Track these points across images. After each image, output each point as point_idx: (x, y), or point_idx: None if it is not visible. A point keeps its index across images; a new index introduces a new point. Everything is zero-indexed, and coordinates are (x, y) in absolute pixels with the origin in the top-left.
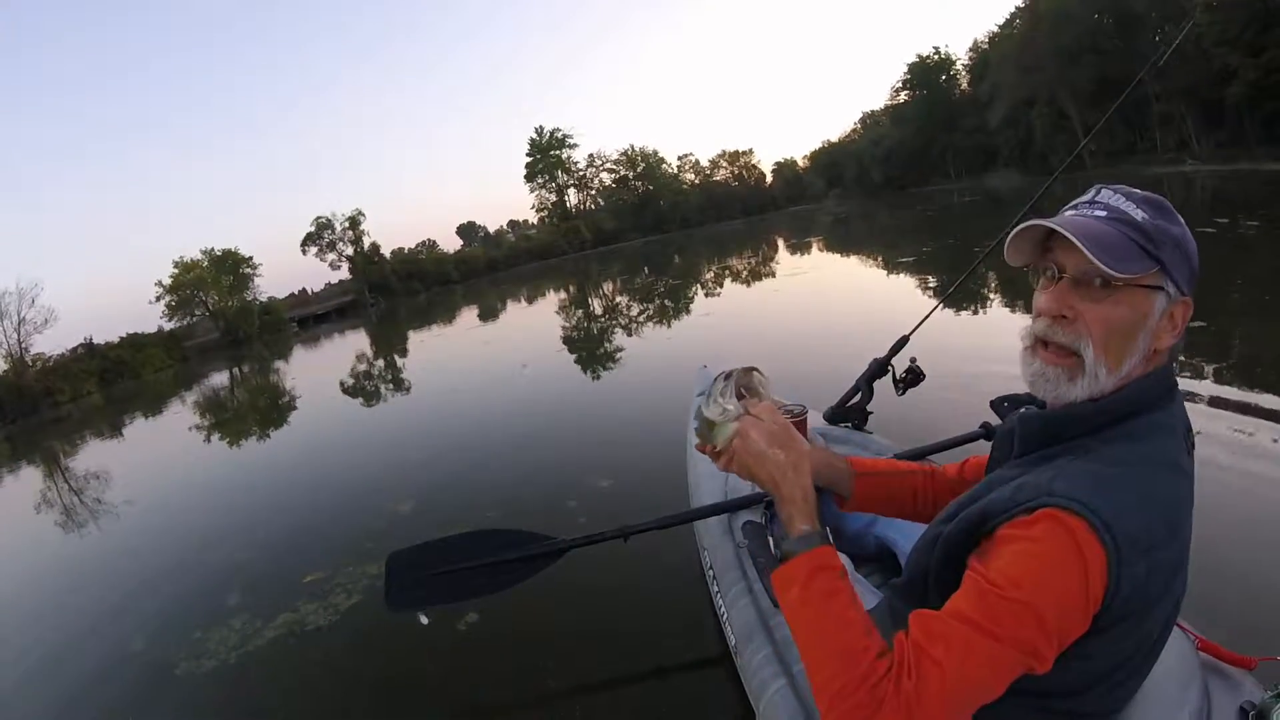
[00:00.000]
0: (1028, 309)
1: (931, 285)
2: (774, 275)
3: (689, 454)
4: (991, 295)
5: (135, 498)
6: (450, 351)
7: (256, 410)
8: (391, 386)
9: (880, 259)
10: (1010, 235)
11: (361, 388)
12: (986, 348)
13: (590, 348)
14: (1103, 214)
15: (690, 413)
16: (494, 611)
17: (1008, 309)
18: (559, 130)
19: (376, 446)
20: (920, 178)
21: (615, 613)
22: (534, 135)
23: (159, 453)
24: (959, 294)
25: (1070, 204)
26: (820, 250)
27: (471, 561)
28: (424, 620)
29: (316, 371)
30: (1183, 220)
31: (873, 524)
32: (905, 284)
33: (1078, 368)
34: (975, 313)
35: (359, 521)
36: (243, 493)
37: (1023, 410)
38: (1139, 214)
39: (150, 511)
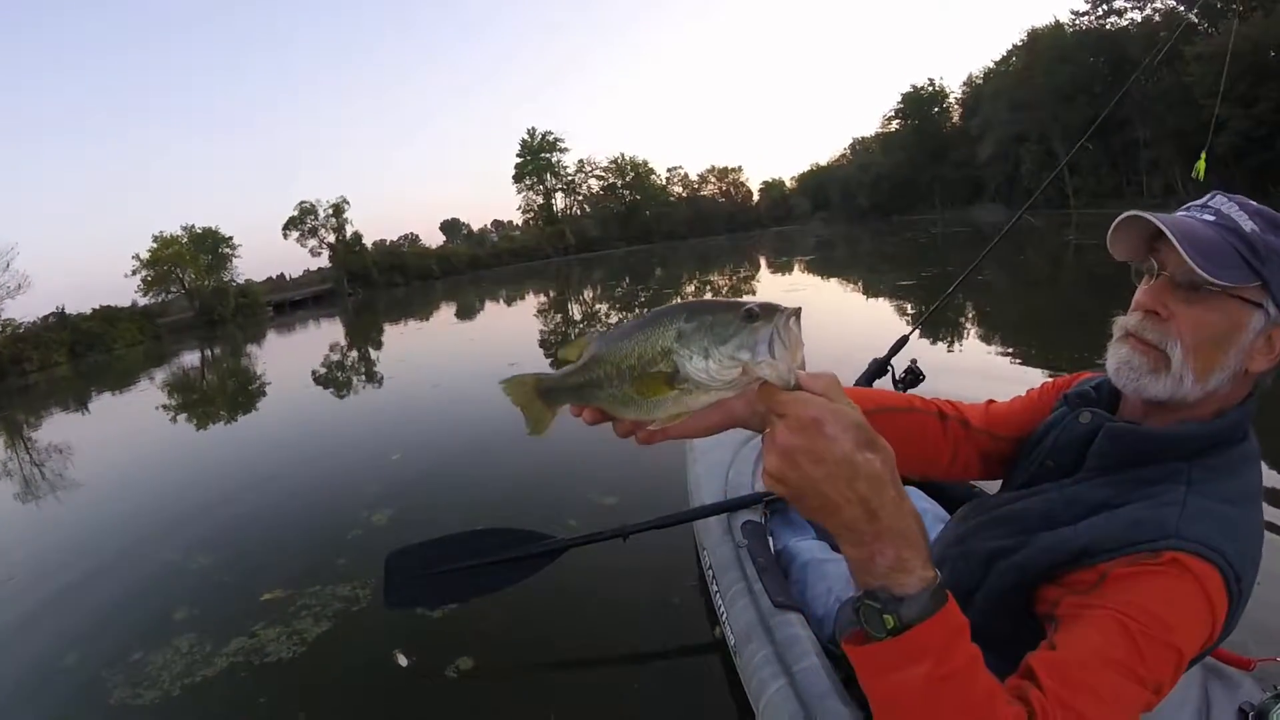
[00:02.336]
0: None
1: (910, 312)
2: (754, 293)
3: (689, 453)
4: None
5: (86, 480)
6: (428, 347)
7: (225, 395)
8: (365, 379)
9: (861, 284)
10: (1114, 225)
11: (335, 378)
12: (987, 347)
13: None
14: (1210, 218)
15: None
16: (492, 611)
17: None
18: (550, 133)
19: (351, 442)
20: (905, 206)
21: (614, 612)
22: (525, 136)
23: (119, 431)
24: (956, 295)
25: (1184, 206)
26: (803, 272)
27: (471, 560)
28: (403, 662)
29: (290, 358)
30: None
31: None
32: (887, 309)
33: (1163, 363)
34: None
35: (330, 530)
36: (202, 485)
37: (1103, 419)
38: (1248, 225)
39: (100, 497)
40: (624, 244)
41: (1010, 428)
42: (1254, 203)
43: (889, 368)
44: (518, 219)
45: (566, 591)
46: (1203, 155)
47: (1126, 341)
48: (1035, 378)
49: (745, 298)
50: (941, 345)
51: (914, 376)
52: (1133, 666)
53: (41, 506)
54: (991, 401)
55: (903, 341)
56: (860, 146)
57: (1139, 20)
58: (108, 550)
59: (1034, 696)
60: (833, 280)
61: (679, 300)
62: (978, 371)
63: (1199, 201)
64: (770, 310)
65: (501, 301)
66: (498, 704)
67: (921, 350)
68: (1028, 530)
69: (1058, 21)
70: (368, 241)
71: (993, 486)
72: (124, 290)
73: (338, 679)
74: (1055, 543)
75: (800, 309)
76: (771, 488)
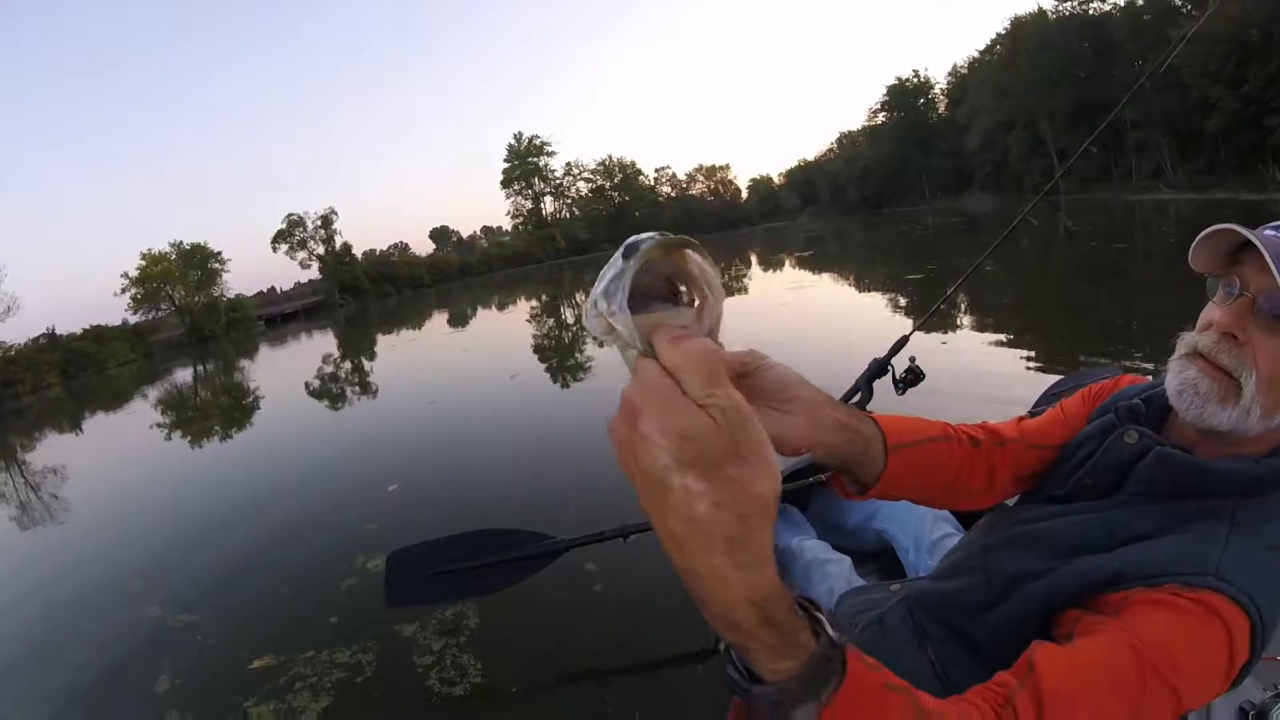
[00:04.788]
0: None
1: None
2: (745, 291)
3: None
4: (980, 305)
5: (70, 516)
6: (424, 357)
7: (216, 415)
8: (359, 394)
9: (853, 278)
10: (1200, 236)
11: (328, 393)
12: (986, 347)
13: (564, 356)
14: None
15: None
16: (494, 611)
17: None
18: (537, 137)
19: (345, 471)
20: (895, 198)
21: (615, 612)
22: (512, 141)
23: (109, 458)
24: (956, 294)
25: (1273, 222)
26: (795, 267)
27: (472, 561)
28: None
29: (282, 374)
30: None
31: (873, 516)
32: (886, 304)
33: (1233, 392)
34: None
35: (323, 580)
36: (188, 521)
37: (1151, 440)
38: None
39: (84, 535)
40: (614, 246)
41: (1047, 438)
42: None
43: (889, 367)
44: (507, 224)
45: (567, 592)
46: None
47: (1195, 362)
48: (1037, 376)
49: (651, 234)
50: (942, 343)
51: (914, 376)
52: (1130, 693)
53: (24, 544)
54: (1023, 418)
55: (903, 341)
56: (847, 140)
57: (1122, 4)
58: (87, 606)
59: (1019, 702)
60: (827, 275)
61: None
62: (979, 369)
63: None
64: (635, 246)
65: (494, 308)
66: (498, 704)
67: (922, 348)
68: (1060, 555)
69: (1041, 8)
70: (357, 252)
71: None
72: (114, 309)
73: None
74: (1090, 568)
75: (686, 239)
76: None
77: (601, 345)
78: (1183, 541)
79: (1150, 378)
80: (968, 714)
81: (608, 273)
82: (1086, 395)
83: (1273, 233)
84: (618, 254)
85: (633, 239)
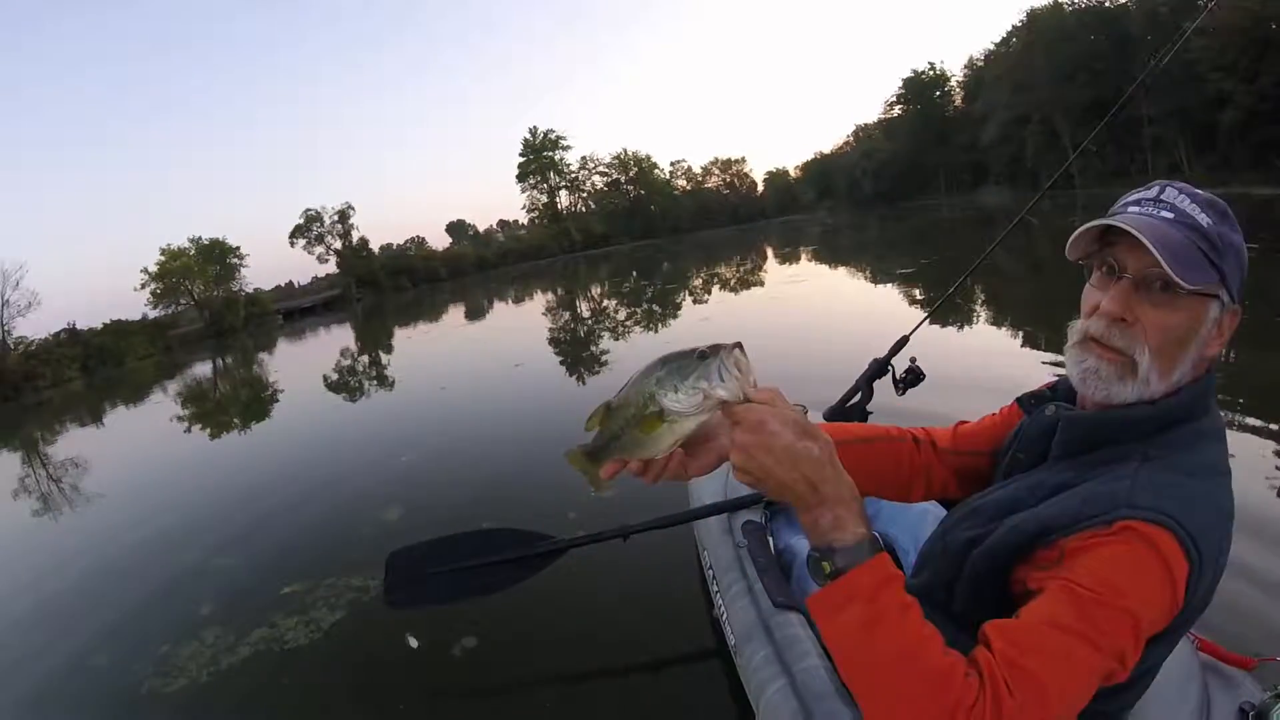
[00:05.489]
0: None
1: (920, 298)
2: (762, 284)
3: None
4: (984, 303)
5: (107, 490)
6: (437, 348)
7: (238, 404)
8: (377, 383)
9: (869, 271)
10: (1076, 233)
11: (346, 383)
12: (987, 347)
13: (579, 349)
14: (1169, 215)
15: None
16: (494, 611)
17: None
18: (553, 131)
19: (362, 445)
20: (911, 191)
21: (615, 612)
22: (528, 135)
23: (136, 443)
24: (957, 293)
25: (1132, 197)
26: (810, 260)
27: (472, 560)
28: (413, 643)
29: (301, 366)
30: (1239, 226)
31: (873, 517)
32: (897, 298)
33: (1129, 368)
34: (973, 316)
35: (343, 527)
36: (220, 490)
37: (1065, 410)
38: (1204, 219)
39: (122, 506)
40: (629, 239)
41: (979, 443)
42: (1200, 191)
43: (889, 368)
44: (523, 218)
45: (567, 592)
46: None
47: (1091, 348)
48: (1039, 375)
49: (700, 345)
50: (943, 342)
51: (914, 376)
52: (1082, 631)
53: (70, 517)
54: (961, 423)
55: (903, 341)
56: (863, 133)
57: None
58: (132, 556)
59: (980, 655)
60: (840, 269)
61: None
62: (980, 368)
63: (1149, 195)
64: (716, 349)
65: (510, 301)
66: (499, 703)
67: (923, 347)
68: (996, 517)
69: (1056, 1)
70: (374, 246)
71: None
72: (134, 304)
73: (352, 662)
74: (1018, 523)
75: (740, 343)
76: (740, 479)
77: (652, 427)
78: (1097, 484)
79: None
80: (955, 665)
81: (688, 366)
82: (1015, 404)
83: (1135, 210)
84: (691, 356)
85: (702, 348)
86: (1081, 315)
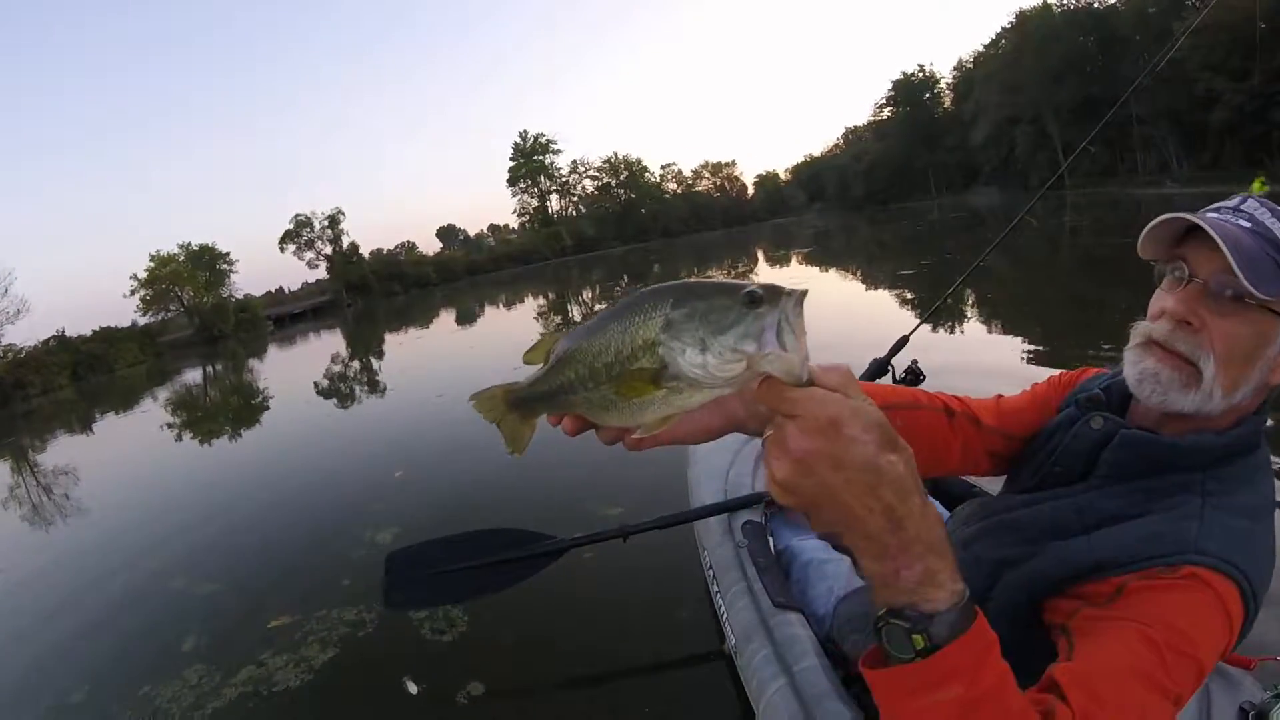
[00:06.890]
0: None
1: (919, 298)
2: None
3: (689, 453)
4: (984, 303)
5: (91, 506)
6: (430, 355)
7: (227, 414)
8: (368, 390)
9: (864, 273)
10: (1150, 226)
11: (338, 390)
12: (987, 347)
13: None
14: (1247, 225)
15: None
16: (494, 611)
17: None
18: (543, 135)
19: (354, 458)
20: (902, 193)
21: (615, 613)
22: (518, 140)
23: (123, 454)
24: (957, 293)
25: (1212, 206)
26: (802, 263)
27: (472, 561)
28: (412, 689)
29: (292, 372)
30: None
31: None
32: (896, 299)
33: (1194, 378)
34: (973, 316)
35: (335, 551)
36: (207, 507)
37: (1115, 424)
38: None
39: (103, 523)
40: (620, 243)
41: (1021, 426)
42: None
43: (889, 368)
44: (514, 222)
45: (567, 592)
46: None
47: (1152, 351)
48: (1040, 374)
49: (744, 282)
50: (943, 341)
51: (914, 376)
52: (1159, 679)
53: (48, 535)
54: (1001, 397)
55: (903, 341)
56: (853, 136)
57: None
58: (115, 581)
59: (1060, 711)
60: (834, 272)
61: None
62: (981, 368)
63: (1230, 204)
64: (775, 293)
65: (501, 306)
66: (498, 704)
67: (923, 347)
68: (1037, 540)
69: (1046, 2)
70: (365, 251)
71: (994, 484)
72: (123, 310)
73: (347, 707)
74: (1068, 554)
75: (807, 291)
76: (781, 499)
77: (702, 389)
78: (1159, 521)
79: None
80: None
81: (725, 312)
82: (1056, 383)
83: (1215, 215)
84: (733, 296)
85: (751, 287)
86: (1147, 317)
